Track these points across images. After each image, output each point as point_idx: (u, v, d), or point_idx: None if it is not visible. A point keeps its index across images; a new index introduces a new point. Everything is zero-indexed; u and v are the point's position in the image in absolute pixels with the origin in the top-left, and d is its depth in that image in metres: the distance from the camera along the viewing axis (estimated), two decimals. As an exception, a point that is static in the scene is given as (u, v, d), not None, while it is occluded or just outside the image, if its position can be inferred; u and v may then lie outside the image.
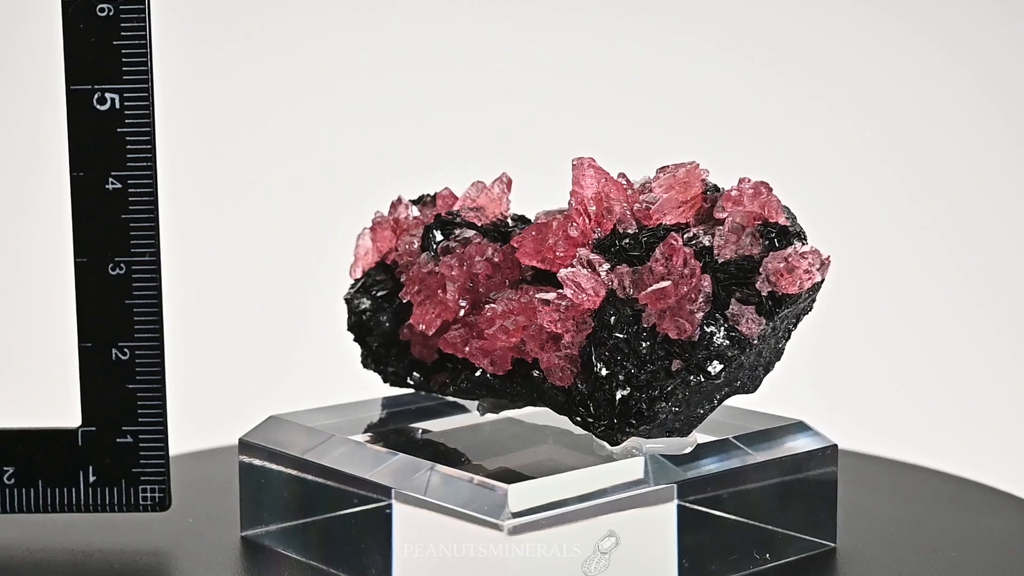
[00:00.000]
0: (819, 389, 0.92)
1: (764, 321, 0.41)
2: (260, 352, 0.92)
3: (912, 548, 0.47)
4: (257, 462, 0.48)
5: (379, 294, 0.49)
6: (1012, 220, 0.95)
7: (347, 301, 0.50)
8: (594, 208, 0.43)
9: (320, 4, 0.92)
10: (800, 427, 0.47)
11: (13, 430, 0.47)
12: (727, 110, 0.94)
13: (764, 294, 0.41)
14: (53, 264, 0.77)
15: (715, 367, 0.41)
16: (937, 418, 0.92)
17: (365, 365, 0.50)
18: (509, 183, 0.47)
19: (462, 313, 0.45)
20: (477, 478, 0.41)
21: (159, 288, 0.46)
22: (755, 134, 0.94)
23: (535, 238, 0.43)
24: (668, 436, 0.43)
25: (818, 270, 0.41)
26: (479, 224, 0.46)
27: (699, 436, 0.44)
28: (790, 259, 0.41)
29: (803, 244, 0.42)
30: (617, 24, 0.94)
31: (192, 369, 0.82)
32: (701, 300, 0.41)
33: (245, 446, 0.48)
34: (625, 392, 0.41)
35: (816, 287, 0.43)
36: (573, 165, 0.43)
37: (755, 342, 0.41)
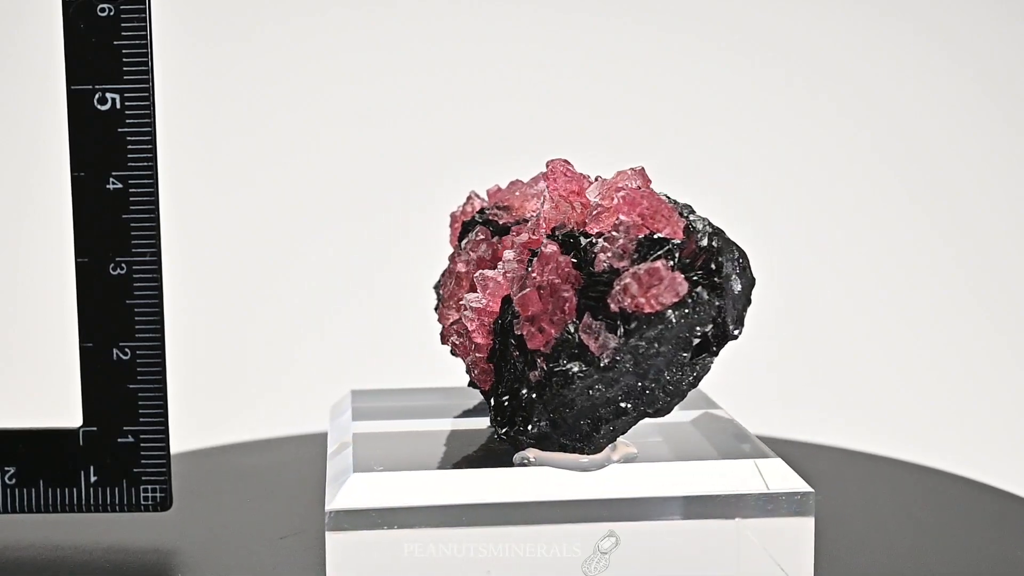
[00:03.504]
0: (819, 388, 0.92)
1: (616, 339, 0.39)
2: (260, 351, 0.92)
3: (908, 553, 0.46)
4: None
5: None
6: (1012, 220, 0.95)
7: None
8: (552, 211, 0.42)
9: (320, 4, 0.92)
10: (776, 467, 0.42)
11: (14, 430, 0.47)
12: (727, 110, 0.94)
13: (614, 310, 0.39)
14: (54, 264, 0.77)
15: (561, 382, 0.39)
16: (937, 418, 0.91)
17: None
18: None
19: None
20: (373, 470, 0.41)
21: (160, 288, 0.46)
22: (755, 134, 0.94)
23: (517, 239, 0.43)
24: (564, 451, 0.41)
25: (665, 290, 0.38)
26: (500, 222, 0.46)
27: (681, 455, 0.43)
28: (639, 276, 0.38)
29: (666, 260, 0.38)
30: (617, 24, 0.94)
31: (192, 369, 0.82)
32: (564, 311, 0.39)
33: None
34: (504, 399, 0.41)
35: (707, 306, 0.39)
36: (547, 166, 0.43)
37: (606, 361, 0.39)
